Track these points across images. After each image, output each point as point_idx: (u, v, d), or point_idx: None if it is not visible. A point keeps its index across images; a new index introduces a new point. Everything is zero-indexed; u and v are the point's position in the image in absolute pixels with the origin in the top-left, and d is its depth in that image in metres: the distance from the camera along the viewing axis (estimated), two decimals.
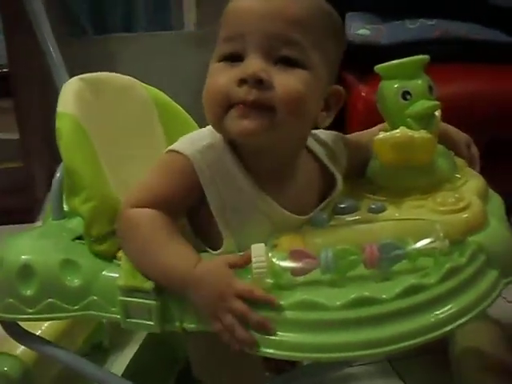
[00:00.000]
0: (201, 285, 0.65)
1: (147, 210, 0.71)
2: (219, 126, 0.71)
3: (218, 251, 0.74)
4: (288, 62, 0.69)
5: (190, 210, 0.75)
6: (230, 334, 0.63)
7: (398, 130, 0.74)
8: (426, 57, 0.80)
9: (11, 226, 1.75)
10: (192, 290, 0.66)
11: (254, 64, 0.67)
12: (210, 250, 0.75)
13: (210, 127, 0.75)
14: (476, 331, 1.01)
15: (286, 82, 0.67)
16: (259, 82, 0.66)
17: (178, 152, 0.72)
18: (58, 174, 0.88)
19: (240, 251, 0.70)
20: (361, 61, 1.36)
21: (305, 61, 0.69)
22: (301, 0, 0.70)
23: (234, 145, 0.73)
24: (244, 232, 0.73)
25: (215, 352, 0.78)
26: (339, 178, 0.80)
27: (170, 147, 0.75)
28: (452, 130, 0.90)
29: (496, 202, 0.79)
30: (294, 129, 0.70)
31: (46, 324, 1.05)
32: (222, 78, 0.69)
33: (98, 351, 1.20)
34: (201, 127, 0.88)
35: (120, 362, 1.15)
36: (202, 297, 0.65)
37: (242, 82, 0.67)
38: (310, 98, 0.69)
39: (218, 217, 0.73)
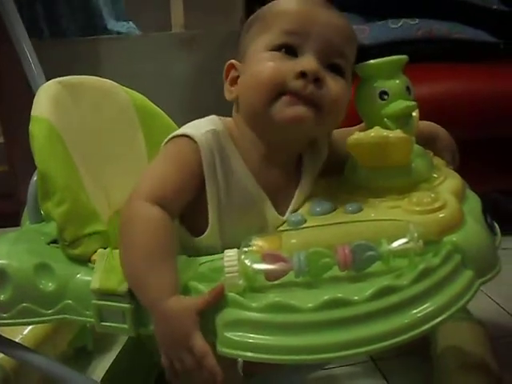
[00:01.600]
0: (163, 321, 0.66)
1: (155, 210, 0.69)
2: (264, 110, 0.73)
3: (200, 237, 0.75)
4: (335, 70, 0.75)
5: None
6: (173, 374, 0.66)
7: (372, 130, 0.74)
8: (404, 57, 0.79)
9: None
10: (154, 319, 0.67)
11: (312, 63, 0.72)
12: (193, 237, 0.76)
13: (209, 118, 0.78)
14: (457, 330, 1.01)
15: (335, 87, 0.74)
16: (316, 80, 0.72)
17: (185, 136, 0.73)
18: (34, 178, 0.88)
19: (222, 240, 0.74)
20: None
21: (346, 72, 0.77)
22: (348, 23, 0.79)
23: (236, 138, 0.76)
24: (231, 221, 0.75)
25: None
26: (307, 180, 0.81)
27: (176, 132, 0.75)
28: (443, 133, 0.90)
29: (473, 201, 0.79)
30: (327, 128, 0.80)
31: (28, 328, 1.05)
32: (277, 65, 0.73)
33: (83, 354, 1.20)
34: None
35: (104, 365, 1.15)
36: (160, 330, 0.67)
37: (302, 75, 0.71)
38: (346, 105, 0.77)
39: (210, 201, 0.74)
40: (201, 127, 0.75)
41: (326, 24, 0.74)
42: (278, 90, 0.72)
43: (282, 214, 0.78)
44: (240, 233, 0.69)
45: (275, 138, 0.76)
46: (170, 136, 0.76)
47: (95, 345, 1.21)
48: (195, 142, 0.72)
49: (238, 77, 0.78)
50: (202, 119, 0.78)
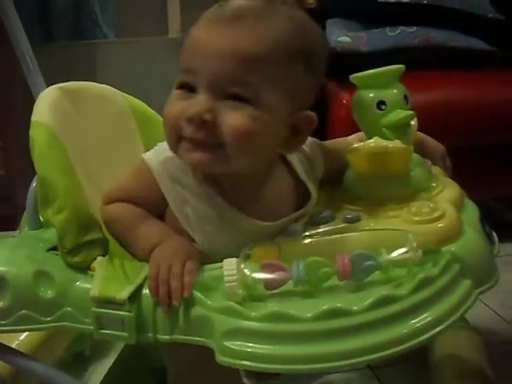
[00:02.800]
0: (167, 246, 0.72)
1: (118, 203, 0.78)
2: (175, 151, 0.73)
3: None
4: (237, 99, 0.68)
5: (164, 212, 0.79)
6: (154, 282, 0.67)
7: (372, 141, 0.74)
8: (401, 66, 0.80)
9: None
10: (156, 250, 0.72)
11: (199, 103, 0.68)
12: None
13: None
14: (454, 339, 1.02)
15: (233, 120, 0.68)
16: (203, 123, 0.67)
17: (144, 161, 0.77)
18: (33, 184, 0.87)
19: (205, 254, 0.74)
20: (342, 68, 1.36)
21: (255, 99, 0.68)
22: (258, 32, 0.68)
23: None
24: (209, 238, 0.76)
25: (194, 367, 0.79)
26: (314, 191, 0.81)
27: (143, 154, 0.79)
28: (429, 140, 0.90)
29: (471, 210, 0.79)
30: (246, 161, 0.71)
31: (25, 334, 1.05)
32: (175, 108, 0.71)
33: (80, 360, 1.20)
34: None
35: (101, 371, 1.15)
36: (159, 253, 0.71)
37: (189, 120, 0.68)
38: (260, 133, 0.69)
39: (183, 223, 0.76)
40: (163, 152, 0.76)
41: (213, 53, 0.68)
42: (178, 135, 0.70)
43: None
44: (227, 251, 0.68)
45: None
46: (143, 155, 0.79)
47: (92, 351, 1.21)
48: (150, 169, 0.76)
49: None
50: None
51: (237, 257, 0.66)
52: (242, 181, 0.76)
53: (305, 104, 0.75)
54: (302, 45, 0.71)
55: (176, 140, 0.71)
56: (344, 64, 1.52)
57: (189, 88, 0.70)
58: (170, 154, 0.75)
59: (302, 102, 0.74)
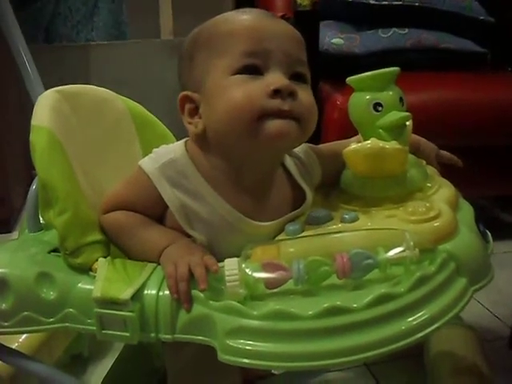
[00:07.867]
0: (181, 247, 0.73)
1: (117, 211, 0.79)
2: (249, 135, 0.71)
3: None
4: (299, 79, 0.75)
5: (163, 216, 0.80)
6: (174, 281, 0.68)
7: (369, 141, 0.75)
8: (396, 69, 0.81)
9: None
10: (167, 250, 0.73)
11: (281, 78, 0.72)
12: None
13: (178, 143, 0.80)
14: (449, 336, 1.03)
15: (306, 96, 0.74)
16: (291, 94, 0.71)
17: (140, 168, 0.78)
18: (33, 187, 0.88)
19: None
20: (336, 70, 1.38)
21: (307, 78, 0.76)
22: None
23: (200, 164, 0.77)
24: (209, 239, 0.77)
25: (194, 366, 0.80)
26: (309, 192, 0.82)
27: (139, 161, 0.79)
28: (423, 141, 0.92)
29: (466, 210, 0.81)
30: (306, 138, 0.77)
31: (24, 335, 1.05)
32: (247, 89, 0.71)
33: (78, 361, 1.20)
34: (175, 135, 0.92)
35: (100, 372, 1.16)
36: (171, 251, 0.73)
37: (276, 93, 0.71)
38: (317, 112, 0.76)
39: (183, 225, 0.77)
40: (160, 157, 0.77)
41: (281, 36, 0.74)
42: (259, 113, 0.70)
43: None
44: (227, 250, 0.71)
45: (252, 159, 0.76)
46: (139, 162, 0.79)
47: (90, 352, 1.21)
48: (148, 176, 0.76)
49: (195, 108, 0.77)
50: (169, 146, 0.80)
51: (237, 256, 0.67)
52: (251, 181, 0.78)
53: None
54: None
55: (255, 118, 0.70)
56: (337, 66, 1.55)
57: (253, 71, 0.72)
58: (167, 159, 0.76)
59: None
